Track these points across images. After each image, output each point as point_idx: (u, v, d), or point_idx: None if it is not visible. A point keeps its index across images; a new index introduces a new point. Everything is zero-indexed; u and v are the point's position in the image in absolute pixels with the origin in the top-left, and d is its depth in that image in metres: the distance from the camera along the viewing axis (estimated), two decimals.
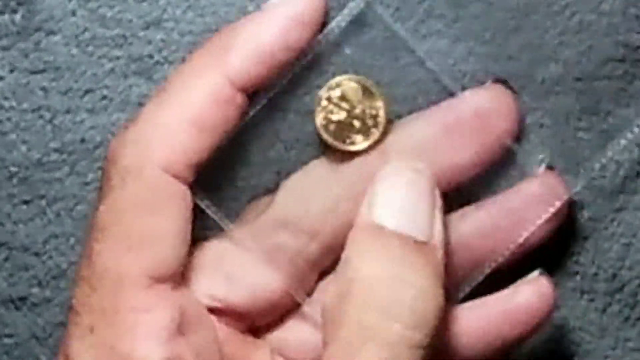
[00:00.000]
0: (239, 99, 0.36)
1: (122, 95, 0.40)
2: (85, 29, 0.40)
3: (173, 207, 0.36)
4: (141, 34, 0.40)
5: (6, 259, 0.41)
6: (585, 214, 0.40)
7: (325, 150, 0.38)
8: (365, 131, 0.37)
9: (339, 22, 0.38)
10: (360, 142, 0.38)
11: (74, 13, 0.40)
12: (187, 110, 0.36)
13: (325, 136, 0.38)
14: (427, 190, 0.36)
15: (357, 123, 0.37)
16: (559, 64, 0.39)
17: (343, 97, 0.38)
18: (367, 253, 0.35)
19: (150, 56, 0.40)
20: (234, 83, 0.36)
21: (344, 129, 0.37)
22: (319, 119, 0.38)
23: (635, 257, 0.40)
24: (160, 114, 0.36)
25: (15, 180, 0.41)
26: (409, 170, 0.36)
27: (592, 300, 0.40)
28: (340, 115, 0.38)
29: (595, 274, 0.40)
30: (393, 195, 0.36)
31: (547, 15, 0.39)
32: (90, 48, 0.40)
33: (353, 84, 0.38)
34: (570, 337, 0.40)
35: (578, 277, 0.40)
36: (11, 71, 0.40)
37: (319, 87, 0.38)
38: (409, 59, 0.39)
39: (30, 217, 0.41)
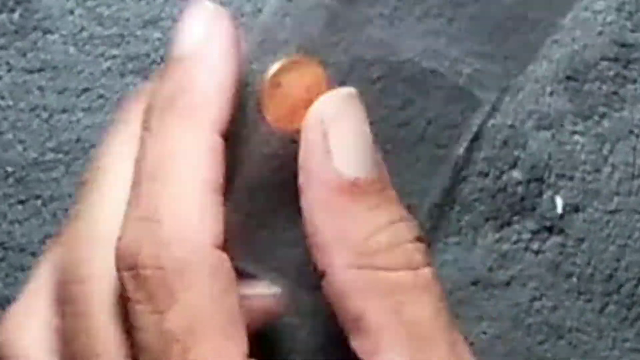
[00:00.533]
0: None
1: (118, 94, 0.40)
2: (83, 28, 0.40)
3: (233, 280, 0.34)
4: (138, 32, 0.40)
5: (2, 259, 0.40)
6: (581, 215, 0.40)
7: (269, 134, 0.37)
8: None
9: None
10: None
11: (71, 12, 0.40)
12: (200, 179, 0.34)
13: (270, 119, 0.36)
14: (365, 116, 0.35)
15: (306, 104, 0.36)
16: (553, 63, 0.39)
17: (286, 79, 0.36)
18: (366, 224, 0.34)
19: (147, 55, 0.40)
20: (220, 131, 0.35)
21: (294, 111, 0.36)
22: (267, 102, 0.36)
23: (631, 257, 0.40)
24: (174, 198, 0.34)
25: (11, 180, 0.40)
26: (347, 98, 0.35)
27: (589, 300, 0.40)
28: (288, 98, 0.36)
29: (592, 275, 0.40)
30: (349, 136, 0.34)
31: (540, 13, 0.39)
32: (87, 47, 0.40)
33: (294, 63, 0.36)
34: (568, 338, 0.40)
35: (574, 279, 0.40)
36: (8, 70, 0.40)
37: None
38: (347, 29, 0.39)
39: (26, 217, 0.40)
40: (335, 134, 0.34)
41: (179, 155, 0.34)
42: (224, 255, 0.33)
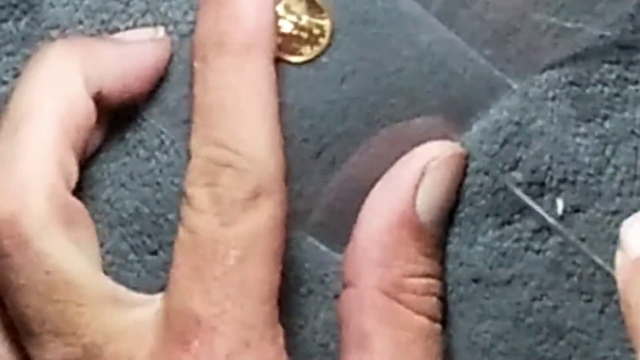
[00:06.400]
0: None
1: None
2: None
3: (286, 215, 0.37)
4: None
5: None
6: (582, 216, 0.40)
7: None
8: (313, 41, 0.38)
9: None
10: (307, 53, 0.39)
11: (80, 22, 0.40)
12: (263, 109, 0.37)
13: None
14: None
15: (304, 34, 0.38)
16: (555, 68, 0.39)
17: (288, 10, 0.38)
18: None
19: None
20: (272, 60, 0.38)
21: (291, 41, 0.38)
22: None
23: None
24: (245, 128, 0.36)
25: None
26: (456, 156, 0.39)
27: (589, 301, 0.40)
28: (286, 28, 0.38)
29: (593, 275, 0.40)
30: (440, 189, 0.39)
31: (542, 17, 0.40)
32: None
33: None
34: (568, 338, 0.40)
35: (575, 278, 0.40)
36: (15, 76, 0.40)
37: None
38: None
39: None
40: (430, 180, 0.38)
41: (244, 87, 0.36)
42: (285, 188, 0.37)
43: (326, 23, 0.38)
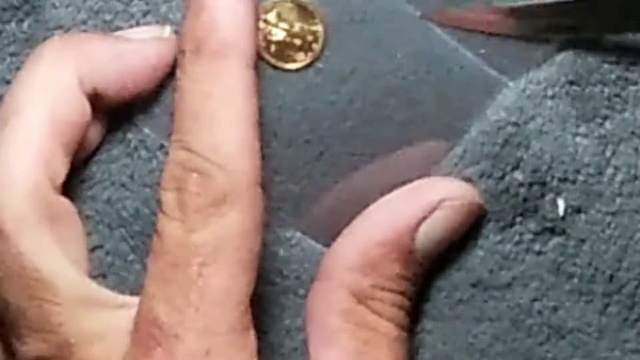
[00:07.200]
0: None
1: None
2: None
3: (262, 218, 0.37)
4: None
5: None
6: (583, 217, 0.40)
7: (266, 71, 0.39)
8: (306, 48, 0.39)
9: None
10: (302, 60, 0.39)
11: (84, 22, 0.41)
12: (238, 115, 0.37)
13: (267, 57, 0.39)
14: None
15: (297, 41, 0.39)
16: (554, 66, 0.40)
17: (280, 18, 0.39)
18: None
19: None
20: (251, 65, 0.38)
21: (285, 49, 0.39)
22: (259, 41, 0.39)
23: (632, 258, 0.40)
24: (217, 134, 0.36)
25: None
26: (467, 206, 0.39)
27: (590, 301, 0.40)
28: (279, 36, 0.39)
29: (593, 276, 0.40)
30: (440, 227, 0.39)
31: None
32: None
33: (288, 4, 0.39)
34: (569, 339, 0.40)
35: (576, 279, 0.40)
36: None
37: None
38: None
39: None
40: (439, 217, 0.38)
41: (217, 93, 0.36)
42: (260, 192, 0.36)
43: (319, 29, 0.39)
